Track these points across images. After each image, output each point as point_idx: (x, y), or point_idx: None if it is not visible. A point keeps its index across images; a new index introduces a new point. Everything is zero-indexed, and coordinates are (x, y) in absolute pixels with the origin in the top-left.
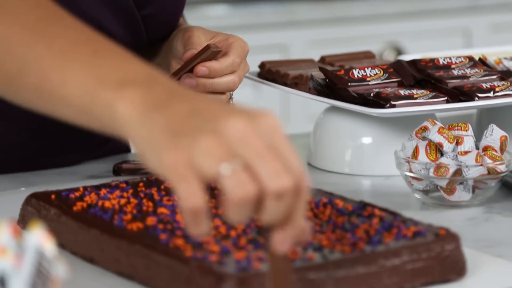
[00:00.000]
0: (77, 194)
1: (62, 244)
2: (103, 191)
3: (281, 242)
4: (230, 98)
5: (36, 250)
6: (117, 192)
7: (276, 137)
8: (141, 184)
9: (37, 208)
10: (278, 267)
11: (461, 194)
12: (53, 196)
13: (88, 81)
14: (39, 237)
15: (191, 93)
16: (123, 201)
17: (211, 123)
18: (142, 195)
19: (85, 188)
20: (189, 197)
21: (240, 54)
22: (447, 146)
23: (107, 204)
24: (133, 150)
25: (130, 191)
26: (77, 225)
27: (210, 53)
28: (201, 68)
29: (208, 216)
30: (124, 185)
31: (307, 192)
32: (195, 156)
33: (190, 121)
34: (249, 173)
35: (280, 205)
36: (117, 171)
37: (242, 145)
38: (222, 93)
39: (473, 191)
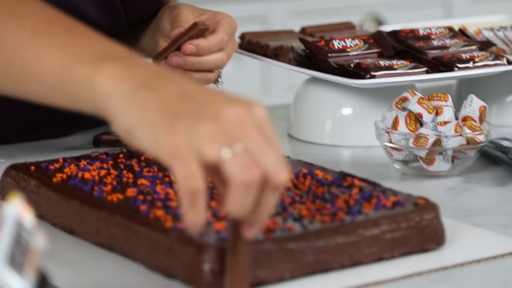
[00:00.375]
0: (57, 165)
1: (42, 216)
2: (83, 163)
3: (253, 230)
4: (219, 76)
5: (15, 221)
6: (97, 164)
7: (266, 126)
8: (121, 155)
9: (16, 179)
10: (240, 258)
11: (440, 164)
12: (32, 168)
13: (64, 56)
14: (18, 208)
15: (174, 74)
16: (103, 172)
17: (208, 108)
18: (122, 166)
19: (64, 159)
20: (189, 179)
21: (228, 32)
22: (427, 117)
23: (87, 175)
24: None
25: (110, 162)
26: (57, 197)
27: (198, 30)
28: (189, 46)
29: (205, 201)
30: (104, 156)
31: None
32: (197, 140)
33: (185, 104)
34: (250, 158)
35: (273, 196)
36: (97, 142)
37: (241, 131)
38: (210, 71)
39: (452, 161)
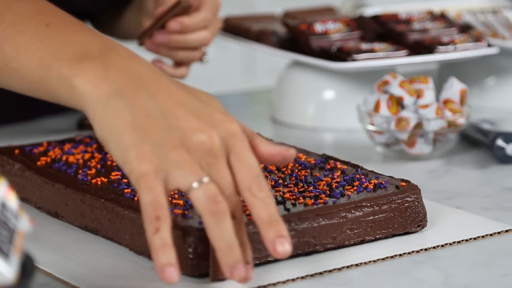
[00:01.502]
0: (41, 149)
1: (26, 199)
2: (67, 146)
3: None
4: (204, 54)
5: (1, 203)
6: (81, 147)
7: (238, 146)
8: None
9: (0, 163)
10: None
11: (421, 147)
12: (16, 151)
13: (42, 54)
14: (3, 191)
15: (151, 76)
16: (87, 156)
17: (177, 132)
18: (106, 150)
19: (49, 143)
20: (154, 206)
21: (211, 9)
22: (408, 100)
23: (71, 159)
24: None
25: (94, 146)
26: (41, 180)
27: (181, 8)
28: (173, 24)
29: (169, 222)
30: (88, 140)
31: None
32: (165, 168)
33: (155, 124)
34: (217, 189)
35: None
36: (81, 126)
37: (209, 161)
38: (195, 49)
39: (434, 144)
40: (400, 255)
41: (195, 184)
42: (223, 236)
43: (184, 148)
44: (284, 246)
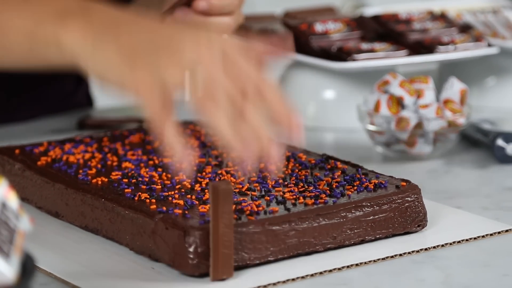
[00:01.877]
0: (41, 149)
1: (27, 199)
2: (67, 146)
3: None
4: None
5: (1, 203)
6: (82, 147)
7: (230, 53)
8: (105, 138)
9: (1, 163)
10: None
11: (421, 147)
12: (17, 151)
13: (26, 24)
14: (3, 191)
15: (132, 17)
16: (87, 155)
17: (165, 43)
18: (106, 149)
19: (49, 143)
20: (156, 111)
21: None
22: (408, 99)
23: (72, 158)
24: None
25: (95, 145)
26: (42, 180)
27: None
28: (201, 2)
29: (174, 126)
30: (88, 139)
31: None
32: (158, 72)
33: (143, 44)
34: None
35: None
36: (81, 126)
37: (200, 60)
38: None
39: (434, 144)
40: (400, 255)
41: (186, 77)
42: (221, 127)
43: (173, 53)
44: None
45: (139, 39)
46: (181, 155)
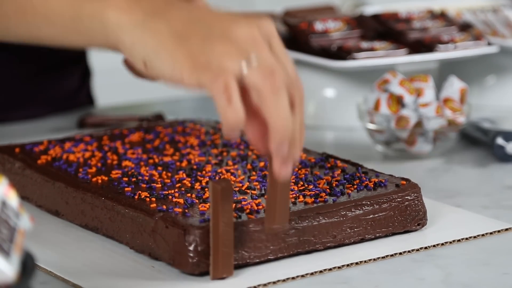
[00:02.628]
0: (41, 147)
1: (27, 197)
2: (67, 145)
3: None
4: None
5: (1, 202)
6: (82, 146)
7: (275, 42)
8: (105, 137)
9: (1, 161)
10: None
11: (421, 146)
12: (17, 150)
13: None
14: (3, 190)
15: (182, 2)
16: (87, 154)
17: (218, 29)
18: (106, 148)
19: (49, 141)
20: (219, 78)
21: None
22: (408, 98)
23: (72, 157)
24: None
25: (95, 144)
26: (42, 178)
27: None
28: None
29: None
30: (88, 138)
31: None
32: (214, 60)
33: (196, 27)
34: (269, 66)
35: (300, 110)
36: (81, 124)
37: (254, 47)
38: None
39: (434, 142)
40: (400, 253)
41: (245, 65)
42: (280, 112)
43: (227, 40)
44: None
45: (190, 17)
46: (238, 124)
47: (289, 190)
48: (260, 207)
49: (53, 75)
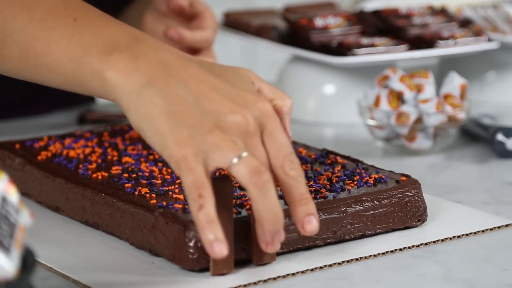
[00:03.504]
0: (42, 143)
1: (27, 193)
2: (67, 141)
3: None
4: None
5: (1, 198)
6: (82, 142)
7: (270, 124)
8: (105, 133)
9: (1, 157)
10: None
11: (422, 142)
12: (17, 146)
13: (73, 49)
14: (3, 186)
15: (180, 63)
16: (87, 150)
17: (212, 115)
18: (106, 144)
19: (49, 137)
20: (196, 185)
21: (214, 32)
22: (408, 94)
23: (72, 153)
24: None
25: (95, 140)
26: (42, 174)
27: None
28: (171, 32)
29: (212, 200)
30: (88, 134)
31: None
32: (204, 151)
33: (190, 108)
34: (257, 161)
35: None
36: (81, 120)
37: (246, 140)
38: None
39: (434, 138)
40: (400, 249)
41: (235, 160)
42: (269, 207)
43: (220, 129)
44: (312, 224)
45: (187, 95)
46: (211, 244)
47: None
48: None
49: None
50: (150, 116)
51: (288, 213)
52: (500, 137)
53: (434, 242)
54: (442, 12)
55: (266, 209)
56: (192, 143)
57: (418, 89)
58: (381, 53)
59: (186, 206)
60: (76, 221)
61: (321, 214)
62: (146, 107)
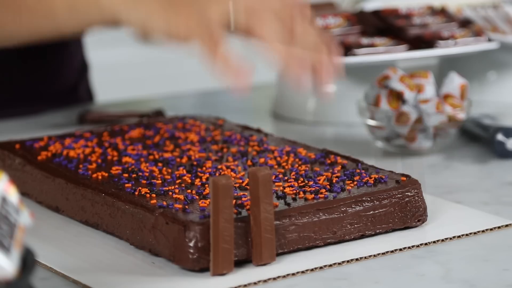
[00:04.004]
0: (42, 143)
1: (27, 193)
2: (67, 141)
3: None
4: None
5: (1, 197)
6: (82, 142)
7: None
8: (105, 133)
9: (1, 157)
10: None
11: (421, 142)
12: (17, 146)
13: None
14: (3, 186)
15: None
16: (87, 150)
17: None
18: (106, 144)
19: (49, 137)
20: (207, 47)
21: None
22: (408, 94)
23: (72, 153)
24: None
25: (95, 140)
26: (42, 175)
27: None
28: None
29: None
30: (88, 134)
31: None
32: (202, 11)
33: None
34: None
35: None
36: (81, 120)
37: None
38: None
39: (434, 138)
40: (400, 249)
41: (231, 10)
42: (273, 36)
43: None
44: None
45: None
46: (236, 76)
47: (273, 228)
48: None
49: (51, 71)
50: (149, 7)
51: (287, 213)
52: (500, 137)
53: (434, 242)
54: (442, 12)
55: (269, 37)
56: (190, 9)
57: (418, 89)
58: (381, 53)
59: (187, 206)
60: (76, 221)
61: (321, 214)
62: (144, 6)
